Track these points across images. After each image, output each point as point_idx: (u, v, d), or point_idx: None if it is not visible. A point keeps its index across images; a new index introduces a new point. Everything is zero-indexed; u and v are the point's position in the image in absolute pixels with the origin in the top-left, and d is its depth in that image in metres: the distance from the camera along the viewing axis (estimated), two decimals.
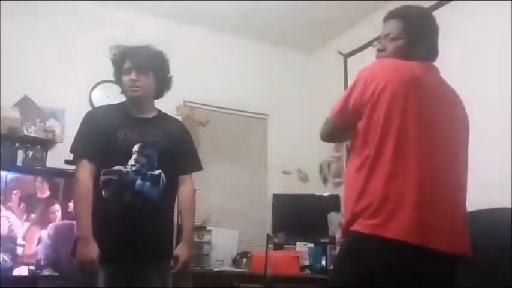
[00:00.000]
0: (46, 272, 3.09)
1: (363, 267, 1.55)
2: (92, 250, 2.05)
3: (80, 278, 2.13)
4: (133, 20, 3.96)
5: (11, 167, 3.21)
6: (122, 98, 2.37)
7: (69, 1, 3.81)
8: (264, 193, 4.34)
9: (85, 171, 2.14)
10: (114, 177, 2.14)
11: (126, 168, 2.15)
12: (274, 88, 4.50)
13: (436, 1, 3.14)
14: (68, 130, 3.28)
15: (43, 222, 3.14)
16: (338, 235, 3.42)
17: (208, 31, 4.30)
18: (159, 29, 3.88)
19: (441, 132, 1.67)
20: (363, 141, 1.67)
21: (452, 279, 1.64)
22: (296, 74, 4.66)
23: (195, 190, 2.43)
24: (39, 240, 3.11)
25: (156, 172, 2.19)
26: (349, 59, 4.13)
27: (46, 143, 3.49)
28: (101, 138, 2.17)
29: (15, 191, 3.10)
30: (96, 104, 3.68)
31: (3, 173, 3.09)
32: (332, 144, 3.87)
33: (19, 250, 3.05)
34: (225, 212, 4.11)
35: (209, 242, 3.78)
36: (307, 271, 3.60)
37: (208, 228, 3.82)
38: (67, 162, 2.78)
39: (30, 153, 3.39)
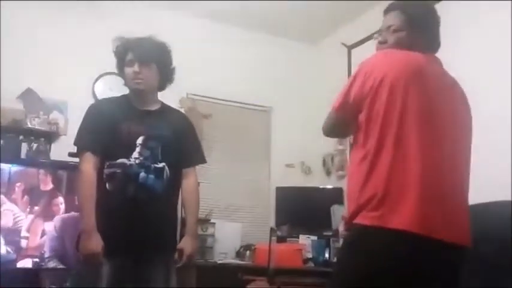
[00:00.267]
0: (52, 264, 3.10)
1: (367, 260, 1.54)
2: (95, 243, 2.05)
3: (84, 270, 2.14)
4: (136, 11, 3.95)
5: (15, 159, 3.20)
6: (125, 90, 2.37)
7: None
8: (267, 186, 4.34)
9: (89, 163, 2.15)
10: (118, 170, 2.14)
11: (129, 161, 2.15)
12: (277, 80, 4.47)
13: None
14: (72, 123, 3.27)
15: (47, 214, 3.15)
16: (341, 228, 3.42)
17: (211, 23, 4.27)
18: (161, 21, 3.86)
19: (444, 123, 1.66)
20: (365, 134, 1.65)
21: (457, 271, 1.63)
22: (299, 66, 4.63)
23: (198, 183, 2.43)
24: (43, 233, 3.12)
25: (160, 165, 2.19)
26: (353, 51, 4.11)
27: (50, 136, 3.47)
28: (105, 131, 2.17)
29: (18, 184, 3.10)
30: (99, 96, 3.68)
31: (7, 166, 3.09)
32: None
33: (23, 242, 3.06)
34: (228, 204, 4.13)
35: (213, 235, 3.78)
36: (311, 264, 3.59)
37: (212, 221, 3.82)
38: (71, 154, 2.78)
39: (34, 145, 3.37)
